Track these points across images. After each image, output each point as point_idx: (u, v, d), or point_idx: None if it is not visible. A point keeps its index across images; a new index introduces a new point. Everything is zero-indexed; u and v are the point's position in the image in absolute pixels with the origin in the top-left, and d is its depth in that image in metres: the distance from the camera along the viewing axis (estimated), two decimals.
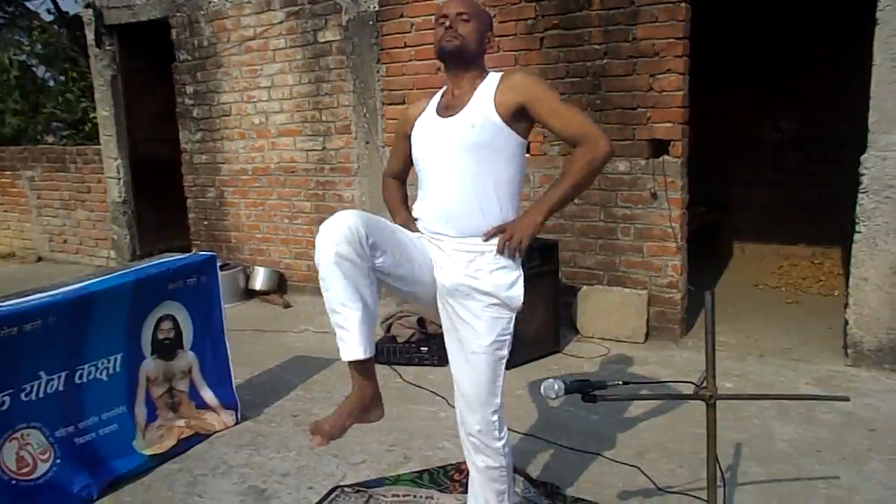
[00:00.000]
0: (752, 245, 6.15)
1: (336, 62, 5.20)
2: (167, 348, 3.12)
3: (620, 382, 1.96)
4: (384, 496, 2.61)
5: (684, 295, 4.25)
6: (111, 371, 2.87)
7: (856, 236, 3.62)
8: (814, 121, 5.66)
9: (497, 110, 1.96)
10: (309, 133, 5.45)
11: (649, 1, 3.93)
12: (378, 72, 5.05)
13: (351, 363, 1.84)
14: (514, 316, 2.03)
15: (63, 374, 2.68)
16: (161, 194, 6.76)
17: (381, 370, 3.87)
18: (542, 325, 4.02)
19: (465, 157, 1.97)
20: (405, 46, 4.87)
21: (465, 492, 2.50)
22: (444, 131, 2.03)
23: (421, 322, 4.15)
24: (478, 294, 1.97)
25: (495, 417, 2.04)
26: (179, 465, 2.98)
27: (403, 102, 4.89)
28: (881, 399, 3.31)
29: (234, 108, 5.80)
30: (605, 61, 4.14)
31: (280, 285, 5.81)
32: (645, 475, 2.67)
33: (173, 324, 3.12)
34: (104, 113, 6.70)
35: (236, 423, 3.31)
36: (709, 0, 4.21)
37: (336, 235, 1.75)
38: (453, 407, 3.18)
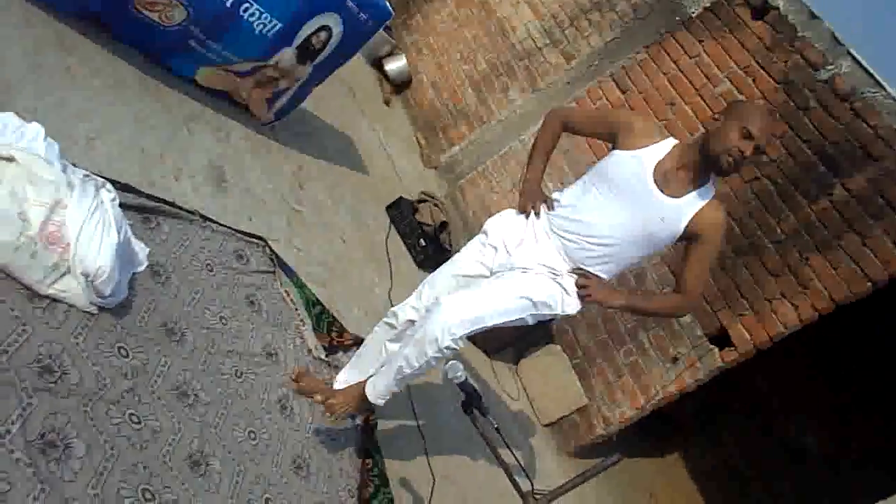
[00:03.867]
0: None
1: (622, 9, 4.85)
2: (308, 54, 3.14)
3: (496, 426, 2.00)
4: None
5: (608, 439, 4.23)
6: (263, 30, 2.88)
7: None
8: (843, 449, 5.54)
9: (685, 227, 2.18)
10: (545, 28, 5.23)
11: (862, 243, 3.58)
12: (637, 54, 4.71)
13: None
14: (553, 314, 2.30)
15: None
16: None
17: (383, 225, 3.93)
18: (504, 336, 4.03)
19: (634, 229, 2.21)
20: (674, 65, 4.49)
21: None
22: (642, 194, 2.17)
23: (442, 226, 4.18)
24: (549, 274, 2.27)
25: (459, 336, 2.15)
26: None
27: (622, 99, 4.70)
28: None
29: None
30: (768, 244, 3.89)
31: (402, 85, 5.75)
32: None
33: (326, 38, 3.12)
34: None
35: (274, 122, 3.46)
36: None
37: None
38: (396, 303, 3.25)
